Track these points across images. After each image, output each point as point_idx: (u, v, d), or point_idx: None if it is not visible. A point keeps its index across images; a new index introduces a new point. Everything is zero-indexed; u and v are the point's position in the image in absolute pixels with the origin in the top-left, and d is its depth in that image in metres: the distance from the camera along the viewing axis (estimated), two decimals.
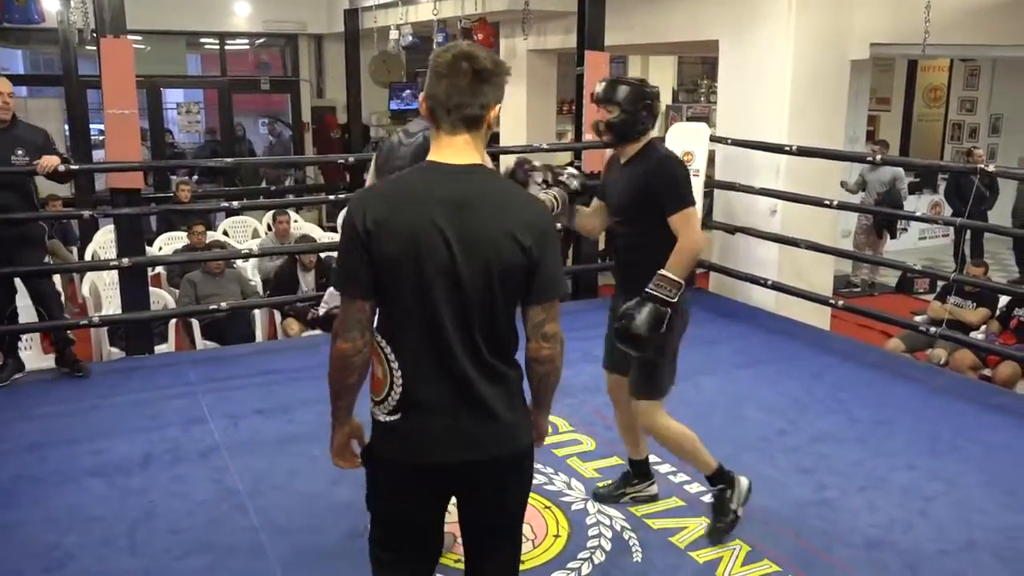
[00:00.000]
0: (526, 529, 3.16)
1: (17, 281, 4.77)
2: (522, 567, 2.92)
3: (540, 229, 1.85)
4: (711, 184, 6.34)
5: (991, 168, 5.06)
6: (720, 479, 3.11)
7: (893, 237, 10.08)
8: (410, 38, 9.89)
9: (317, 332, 6.21)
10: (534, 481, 3.51)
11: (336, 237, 8.64)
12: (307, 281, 6.49)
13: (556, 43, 8.54)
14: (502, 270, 1.80)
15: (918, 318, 6.37)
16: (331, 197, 7.14)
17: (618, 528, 3.21)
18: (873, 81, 11.87)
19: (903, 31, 6.05)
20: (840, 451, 3.89)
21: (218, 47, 12.84)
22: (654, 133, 3.09)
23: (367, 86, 11.65)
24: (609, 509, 3.34)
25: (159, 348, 5.69)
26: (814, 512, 3.37)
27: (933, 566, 3.02)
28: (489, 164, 1.99)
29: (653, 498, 3.40)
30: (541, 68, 9.29)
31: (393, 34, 10.05)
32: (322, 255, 6.67)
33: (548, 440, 3.85)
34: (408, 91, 12.99)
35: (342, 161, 7.19)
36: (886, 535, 3.20)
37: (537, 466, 3.66)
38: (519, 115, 9.39)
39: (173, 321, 5.95)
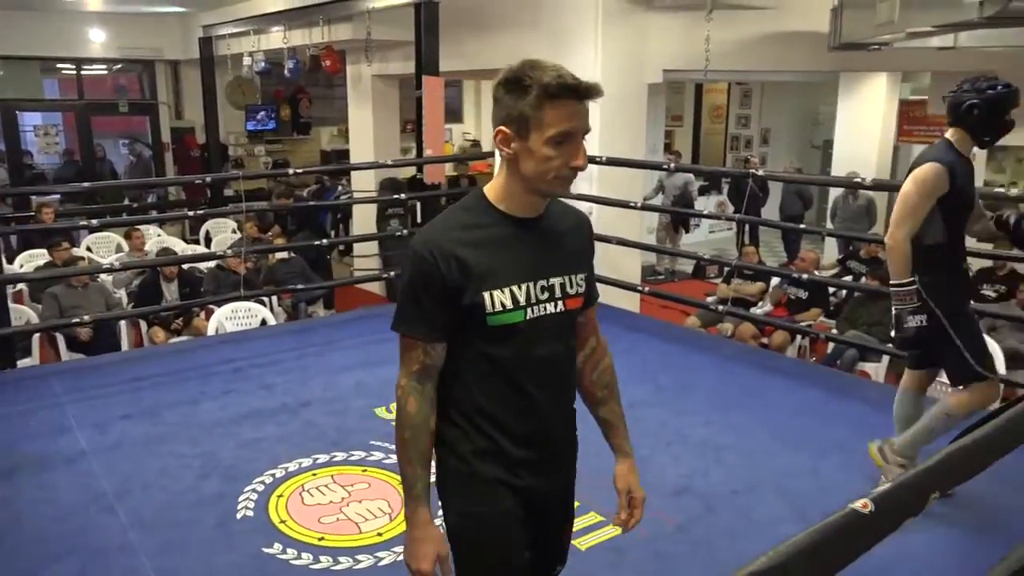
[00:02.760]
0: (383, 504, 3.13)
1: None
2: (380, 539, 2.90)
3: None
4: None
5: (761, 172, 5.41)
6: None
7: (687, 231, 10.62)
8: (263, 64, 9.53)
9: (183, 338, 5.87)
10: (390, 460, 3.48)
11: (199, 249, 8.26)
12: (170, 291, 6.12)
13: (398, 69, 8.43)
14: None
15: (710, 299, 6.73)
16: (191, 213, 6.78)
17: None
18: (668, 101, 12.44)
19: (689, 59, 6.35)
20: (650, 414, 4.04)
21: (75, 72, 11.90)
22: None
23: (224, 108, 11.12)
24: None
25: (22, 362, 5.19)
26: None
27: (726, 504, 3.20)
28: (494, 187, 1.55)
29: None
30: (385, 91, 9.17)
31: (247, 60, 9.64)
32: (184, 266, 6.31)
33: None
34: (263, 112, 12.51)
35: (199, 181, 6.81)
36: (689, 482, 3.36)
37: (392, 447, 3.61)
38: (366, 134, 9.24)
39: (36, 335, 5.45)
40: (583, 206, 6.14)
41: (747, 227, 9.99)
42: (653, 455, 3.61)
